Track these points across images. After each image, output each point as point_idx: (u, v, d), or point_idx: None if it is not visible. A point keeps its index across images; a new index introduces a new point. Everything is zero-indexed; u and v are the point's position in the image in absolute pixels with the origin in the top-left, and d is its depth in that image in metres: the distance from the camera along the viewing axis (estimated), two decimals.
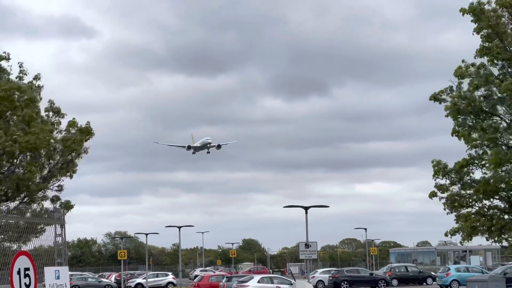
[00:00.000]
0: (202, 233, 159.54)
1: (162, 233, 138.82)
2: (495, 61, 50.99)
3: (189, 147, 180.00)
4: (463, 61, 51.61)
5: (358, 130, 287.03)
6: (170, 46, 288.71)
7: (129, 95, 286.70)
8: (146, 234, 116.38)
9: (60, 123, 55.71)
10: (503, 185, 50.46)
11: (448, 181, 52.54)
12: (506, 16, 50.66)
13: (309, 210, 67.81)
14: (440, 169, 52.38)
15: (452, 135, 52.27)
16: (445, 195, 52.56)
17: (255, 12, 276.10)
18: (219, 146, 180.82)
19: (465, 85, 51.61)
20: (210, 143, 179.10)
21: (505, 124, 51.21)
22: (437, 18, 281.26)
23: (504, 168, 50.85)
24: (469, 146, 51.54)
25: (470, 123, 51.75)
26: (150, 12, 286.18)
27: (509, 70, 50.97)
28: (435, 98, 52.46)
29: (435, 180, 52.69)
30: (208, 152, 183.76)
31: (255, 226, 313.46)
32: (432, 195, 52.93)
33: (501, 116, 51.48)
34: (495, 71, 51.41)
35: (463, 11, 51.37)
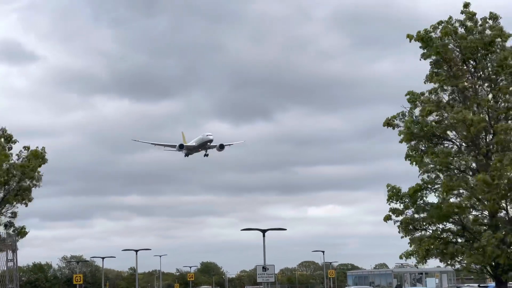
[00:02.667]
0: (160, 256, 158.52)
1: (118, 256, 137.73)
2: (444, 87, 52.37)
3: (181, 147, 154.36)
4: (409, 92, 52.87)
5: (305, 154, 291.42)
6: (112, 72, 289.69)
7: (74, 119, 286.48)
8: (103, 258, 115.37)
9: (11, 148, 55.49)
10: (456, 210, 51.36)
11: (402, 205, 53.32)
12: (452, 43, 52.16)
13: (266, 233, 68.43)
14: (394, 193, 53.14)
15: (405, 159, 53.24)
16: (399, 218, 53.27)
17: (195, 39, 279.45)
18: (221, 147, 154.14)
19: (417, 110, 52.78)
20: (211, 141, 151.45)
21: (456, 148, 52.36)
22: (370, 47, 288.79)
23: (456, 192, 51.87)
24: (421, 171, 52.45)
25: (423, 148, 52.78)
26: (90, 37, 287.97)
27: (458, 96, 52.30)
28: (388, 123, 53.40)
29: (389, 204, 53.44)
30: (206, 155, 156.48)
31: (212, 249, 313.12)
32: (387, 218, 53.62)
33: (453, 140, 52.65)
34: (445, 96, 52.76)
35: (410, 37, 52.75)
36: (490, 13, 52.91)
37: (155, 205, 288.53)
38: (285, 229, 72.15)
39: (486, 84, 52.15)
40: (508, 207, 50.86)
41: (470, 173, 51.70)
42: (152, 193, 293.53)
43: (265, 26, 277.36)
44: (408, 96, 53.09)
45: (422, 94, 53.12)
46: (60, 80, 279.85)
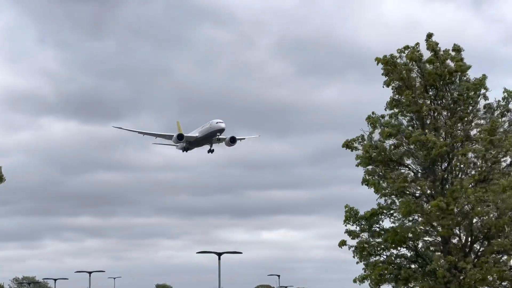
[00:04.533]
0: (114, 278, 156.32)
1: (71, 278, 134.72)
2: (405, 113, 53.14)
3: (180, 138, 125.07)
4: (369, 116, 53.43)
5: (257, 178, 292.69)
6: (59, 93, 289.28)
7: (21, 139, 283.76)
8: (55, 280, 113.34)
9: None
10: (410, 235, 51.75)
11: (358, 228, 53.51)
12: (416, 70, 53.18)
13: (221, 256, 68.01)
14: (351, 215, 53.37)
15: (362, 183, 53.55)
16: (355, 241, 53.37)
17: (143, 62, 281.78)
18: (233, 140, 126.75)
19: (376, 135, 53.37)
20: (221, 131, 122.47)
21: (412, 175, 52.93)
22: (315, 75, 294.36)
23: (411, 218, 52.33)
24: (379, 195, 52.81)
25: (380, 173, 53.21)
26: (37, 58, 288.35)
27: (417, 122, 53.05)
28: (348, 145, 53.79)
29: (345, 225, 53.63)
30: (211, 150, 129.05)
31: (167, 272, 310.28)
32: (342, 243, 53.48)
33: (409, 166, 53.23)
34: (404, 122, 53.48)
35: (378, 60, 53.58)
36: (454, 45, 53.99)
37: (107, 226, 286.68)
38: (240, 253, 71.81)
39: (445, 112, 53.01)
40: (461, 234, 51.40)
41: (425, 199, 52.21)
42: (104, 215, 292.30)
43: (212, 51, 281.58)
44: (368, 120, 53.57)
45: (383, 116, 53.71)
46: (6, 100, 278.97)
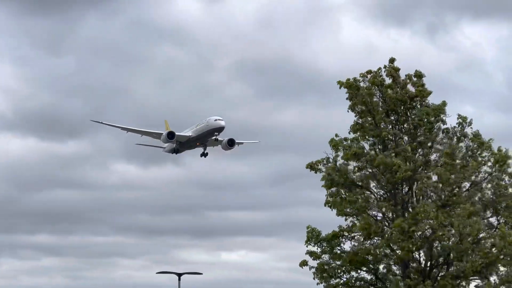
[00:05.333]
0: None
1: None
2: (367, 137, 53.73)
3: (170, 136, 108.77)
4: (332, 139, 53.92)
5: (217, 199, 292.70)
6: (18, 110, 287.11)
7: None
8: None
9: None
10: (369, 257, 52.14)
11: (319, 249, 53.73)
12: (378, 94, 53.92)
13: (181, 277, 67.27)
14: (313, 236, 53.58)
15: (325, 205, 53.80)
16: (315, 263, 53.52)
17: (102, 80, 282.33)
18: (231, 142, 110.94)
19: (340, 158, 53.76)
20: (220, 130, 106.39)
21: (374, 198, 53.40)
22: (273, 98, 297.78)
23: (371, 241, 52.71)
24: (340, 217, 53.16)
25: (343, 195, 53.52)
26: None
27: (379, 147, 53.63)
28: (312, 167, 54.08)
29: (307, 246, 53.81)
30: (204, 154, 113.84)
31: None
32: (303, 264, 53.65)
33: (371, 190, 53.71)
34: (366, 146, 54.03)
35: (340, 84, 54.21)
36: (416, 71, 54.94)
37: (65, 245, 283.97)
38: (201, 273, 71.08)
39: (406, 137, 53.74)
40: (421, 258, 51.95)
41: (386, 223, 52.72)
42: (62, 233, 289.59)
43: (172, 71, 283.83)
44: (330, 143, 54.00)
45: (346, 139, 54.20)
46: None
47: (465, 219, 48.66)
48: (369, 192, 53.54)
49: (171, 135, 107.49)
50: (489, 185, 52.04)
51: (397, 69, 54.76)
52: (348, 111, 54.33)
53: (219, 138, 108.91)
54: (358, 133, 53.79)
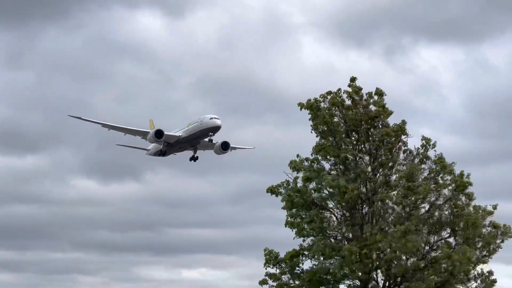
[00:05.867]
0: None
1: None
2: (328, 157, 53.72)
3: (159, 135, 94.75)
4: (292, 161, 53.89)
5: (177, 216, 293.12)
6: None
7: None
8: None
9: None
10: (328, 276, 52.13)
11: (278, 270, 53.71)
12: (338, 114, 53.95)
13: None
14: (271, 258, 53.60)
15: (285, 226, 53.76)
16: (275, 284, 53.49)
17: (62, 95, 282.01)
18: (225, 147, 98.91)
19: (299, 179, 53.77)
20: (216, 130, 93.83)
21: (334, 218, 53.44)
22: (234, 116, 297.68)
23: (331, 261, 52.69)
24: (299, 237, 53.13)
25: (303, 215, 53.55)
26: None
27: (341, 167, 53.63)
28: (272, 191, 54.17)
29: (266, 268, 53.81)
30: (194, 158, 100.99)
31: None
32: (263, 282, 53.76)
33: (331, 210, 53.72)
34: (327, 166, 54.09)
35: (301, 105, 54.27)
36: (376, 89, 54.96)
37: (23, 260, 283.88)
38: None
39: (366, 157, 53.76)
40: (379, 278, 51.97)
41: (345, 242, 52.72)
42: (19, 248, 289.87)
43: (133, 88, 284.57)
44: (290, 165, 54.03)
45: (307, 159, 54.22)
46: None
47: (400, 239, 48.61)
48: (329, 213, 53.58)
49: (159, 134, 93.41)
50: (447, 205, 52.16)
51: (359, 88, 54.81)
52: (311, 132, 54.45)
53: (213, 140, 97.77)
54: (320, 154, 53.79)
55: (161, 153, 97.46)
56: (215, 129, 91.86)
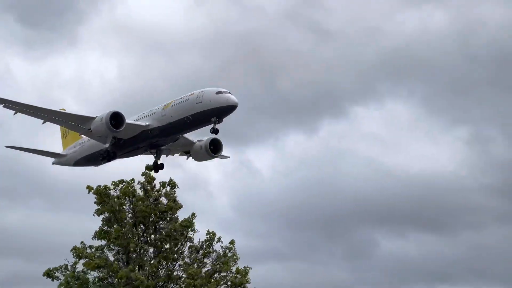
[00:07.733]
0: None
1: None
2: (112, 246, 53.32)
3: (115, 122, 52.59)
4: (75, 247, 53.12)
5: None
6: None
7: None
8: None
9: None
10: None
11: None
12: (128, 204, 53.91)
13: None
14: None
15: None
16: None
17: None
18: (217, 147, 57.78)
19: (80, 265, 52.98)
20: (233, 108, 50.95)
21: None
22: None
23: None
24: None
25: None
26: None
27: (123, 256, 53.24)
28: (49, 274, 52.85)
29: None
30: (157, 167, 58.42)
31: None
32: None
33: None
34: (111, 255, 53.51)
35: (89, 189, 53.72)
36: (170, 180, 55.50)
37: None
38: None
39: (152, 249, 53.83)
40: None
41: None
42: None
43: None
44: (73, 251, 53.15)
45: (91, 247, 53.49)
46: None
47: None
48: None
49: (118, 119, 53.13)
50: None
51: (153, 179, 55.17)
52: (94, 215, 53.87)
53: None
54: (103, 241, 53.32)
55: (106, 156, 56.17)
56: (229, 109, 51.61)
